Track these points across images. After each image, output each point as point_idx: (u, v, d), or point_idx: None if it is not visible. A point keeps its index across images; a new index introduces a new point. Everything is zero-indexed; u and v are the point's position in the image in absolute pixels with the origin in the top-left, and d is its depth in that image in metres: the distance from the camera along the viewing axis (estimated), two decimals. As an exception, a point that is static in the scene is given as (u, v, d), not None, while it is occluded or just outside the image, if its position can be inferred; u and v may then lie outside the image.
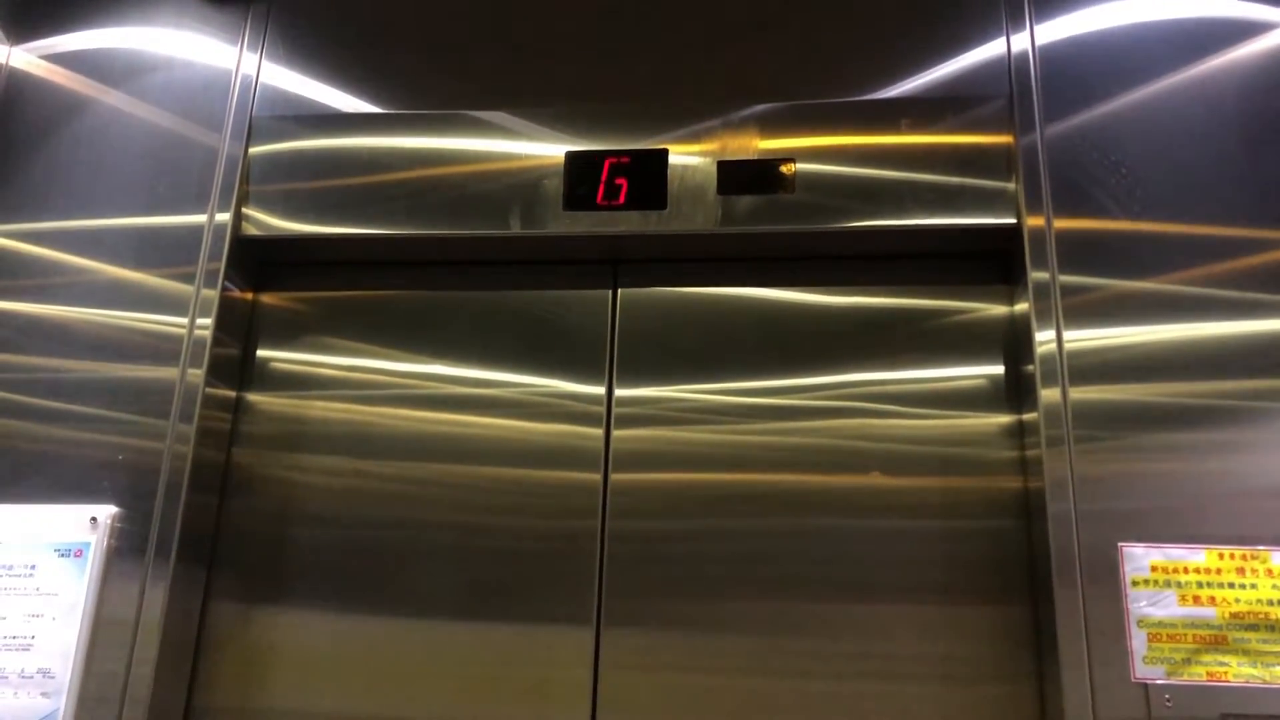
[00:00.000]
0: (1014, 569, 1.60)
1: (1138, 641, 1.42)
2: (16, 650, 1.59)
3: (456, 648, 1.67)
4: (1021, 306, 1.67)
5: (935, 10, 1.80)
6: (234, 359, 1.85)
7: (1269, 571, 1.43)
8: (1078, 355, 1.57)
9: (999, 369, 1.71)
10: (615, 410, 1.77)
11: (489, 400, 1.80)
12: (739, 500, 1.69)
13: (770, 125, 1.76)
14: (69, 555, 1.63)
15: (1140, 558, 1.45)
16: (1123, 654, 1.42)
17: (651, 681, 1.62)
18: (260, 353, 1.88)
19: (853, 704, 1.58)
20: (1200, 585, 1.43)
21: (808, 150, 1.74)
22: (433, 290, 1.88)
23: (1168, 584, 1.44)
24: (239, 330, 1.87)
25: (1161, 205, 1.62)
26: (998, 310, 1.74)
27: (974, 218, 1.68)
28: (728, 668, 1.61)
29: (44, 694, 1.57)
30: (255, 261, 1.90)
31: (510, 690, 1.64)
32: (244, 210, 1.84)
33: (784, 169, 1.74)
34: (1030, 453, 1.62)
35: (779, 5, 1.85)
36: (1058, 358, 1.57)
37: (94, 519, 1.64)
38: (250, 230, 1.83)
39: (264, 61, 1.93)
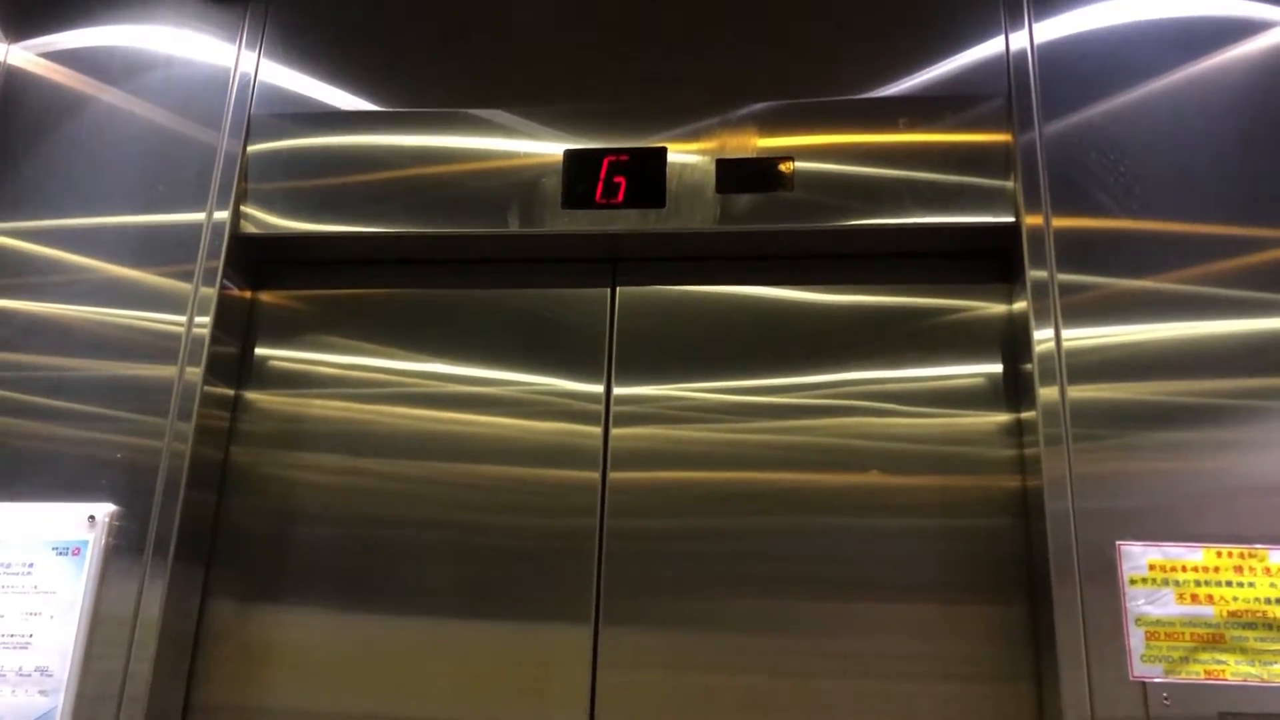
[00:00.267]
0: (1012, 567, 1.60)
1: (1136, 640, 1.42)
2: (14, 648, 1.59)
3: (454, 646, 1.67)
4: (1020, 305, 1.67)
5: (934, 9, 1.80)
6: (232, 357, 1.85)
7: (1267, 570, 1.43)
8: (1076, 354, 1.57)
9: (997, 367, 1.71)
10: (614, 409, 1.77)
11: (487, 398, 1.80)
12: (738, 499, 1.69)
13: (769, 124, 1.76)
14: (67, 553, 1.63)
15: (1138, 556, 1.45)
16: (1121, 652, 1.42)
17: (650, 680, 1.62)
18: (259, 351, 1.88)
19: (851, 702, 1.58)
20: (1198, 584, 1.43)
21: (806, 149, 1.74)
22: (431, 289, 1.88)
23: (1166, 582, 1.44)
24: (237, 328, 1.87)
25: (1160, 204, 1.62)
26: (996, 309, 1.74)
27: (972, 216, 1.68)
28: (726, 666, 1.61)
29: (42, 692, 1.56)
30: (254, 260, 1.90)
31: (508, 688, 1.64)
32: (242, 208, 1.84)
33: (782, 167, 1.73)
34: (1028, 451, 1.62)
35: (777, 4, 1.85)
36: (1056, 356, 1.57)
37: (92, 517, 1.64)
38: (249, 228, 1.83)
39: (262, 59, 1.92)
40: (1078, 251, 1.62)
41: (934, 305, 1.76)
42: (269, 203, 1.84)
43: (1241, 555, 1.44)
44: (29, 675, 1.57)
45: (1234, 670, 1.40)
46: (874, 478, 1.68)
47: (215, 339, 1.77)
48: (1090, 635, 1.43)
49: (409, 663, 1.67)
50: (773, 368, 1.76)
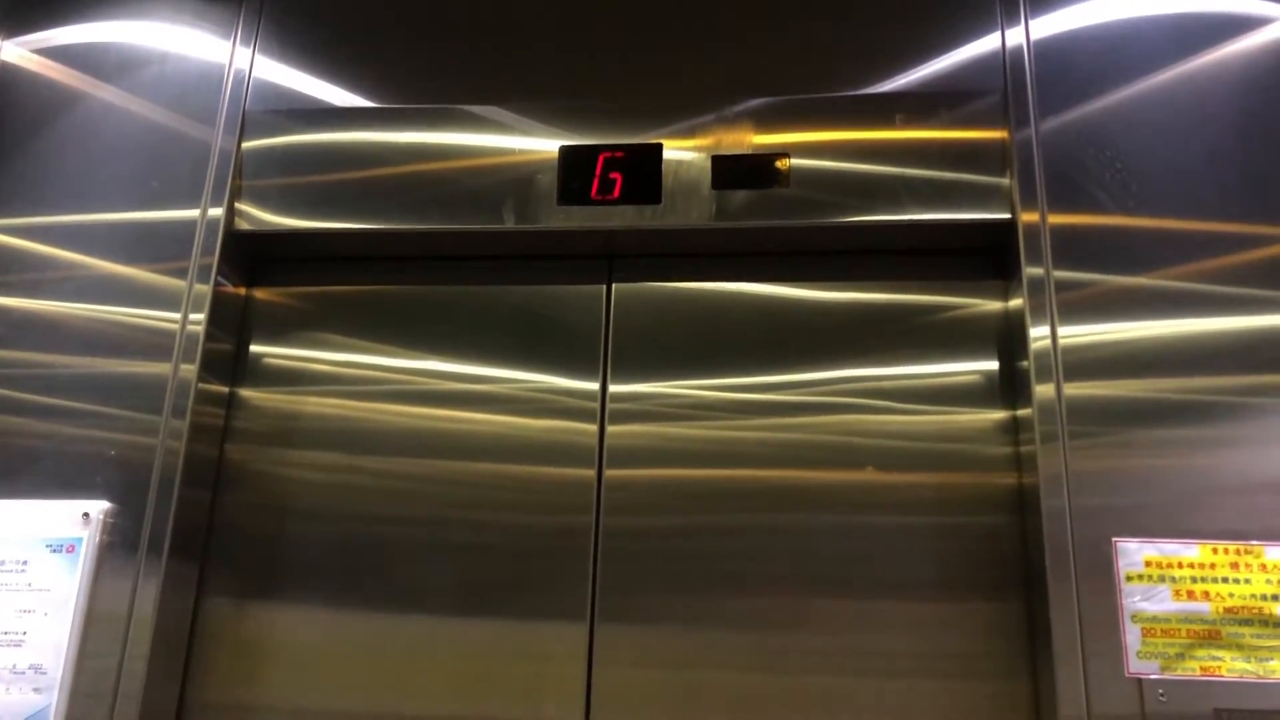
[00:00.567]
0: (1008, 564, 1.60)
1: (1131, 636, 1.42)
2: (8, 646, 1.59)
3: (450, 643, 1.67)
4: (1016, 302, 1.67)
5: (930, 5, 1.80)
6: (227, 354, 1.85)
7: (1263, 566, 1.43)
8: (1072, 351, 1.57)
9: (993, 365, 1.71)
10: (609, 406, 1.76)
11: (483, 396, 1.80)
12: (733, 496, 1.69)
13: (765, 120, 1.76)
14: (61, 550, 1.62)
15: (1134, 553, 1.45)
16: (1116, 649, 1.42)
17: (645, 677, 1.62)
18: (253, 348, 1.88)
19: (846, 700, 1.57)
20: (1194, 580, 1.43)
21: (802, 145, 1.74)
22: (426, 285, 1.88)
23: (1162, 579, 1.44)
24: (232, 325, 1.86)
25: (1156, 200, 1.62)
26: (992, 306, 1.74)
27: (968, 213, 1.68)
28: (722, 663, 1.61)
29: (36, 690, 1.56)
30: (248, 256, 1.89)
31: (504, 686, 1.64)
32: (237, 205, 1.84)
33: (778, 164, 1.73)
34: (1024, 449, 1.62)
35: (774, 0, 1.85)
36: (1052, 353, 1.57)
37: (86, 514, 1.64)
38: (243, 225, 1.83)
39: (257, 55, 1.92)
40: (1074, 248, 1.62)
41: (930, 302, 1.76)
42: (264, 199, 1.84)
43: (1238, 551, 1.44)
44: (23, 673, 1.57)
45: (1230, 667, 1.40)
46: (870, 475, 1.68)
47: (210, 336, 1.76)
48: (1086, 632, 1.43)
49: (404, 660, 1.67)
50: (768, 365, 1.76)
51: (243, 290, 1.90)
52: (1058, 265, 1.61)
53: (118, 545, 1.64)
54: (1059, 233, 1.63)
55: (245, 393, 1.85)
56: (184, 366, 1.73)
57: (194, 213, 1.82)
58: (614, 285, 1.84)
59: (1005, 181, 1.68)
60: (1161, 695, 1.39)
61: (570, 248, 1.84)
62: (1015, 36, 1.75)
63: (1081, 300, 1.59)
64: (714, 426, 1.74)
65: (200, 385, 1.73)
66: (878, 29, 1.80)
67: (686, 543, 1.68)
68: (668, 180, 1.75)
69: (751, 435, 1.72)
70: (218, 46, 1.93)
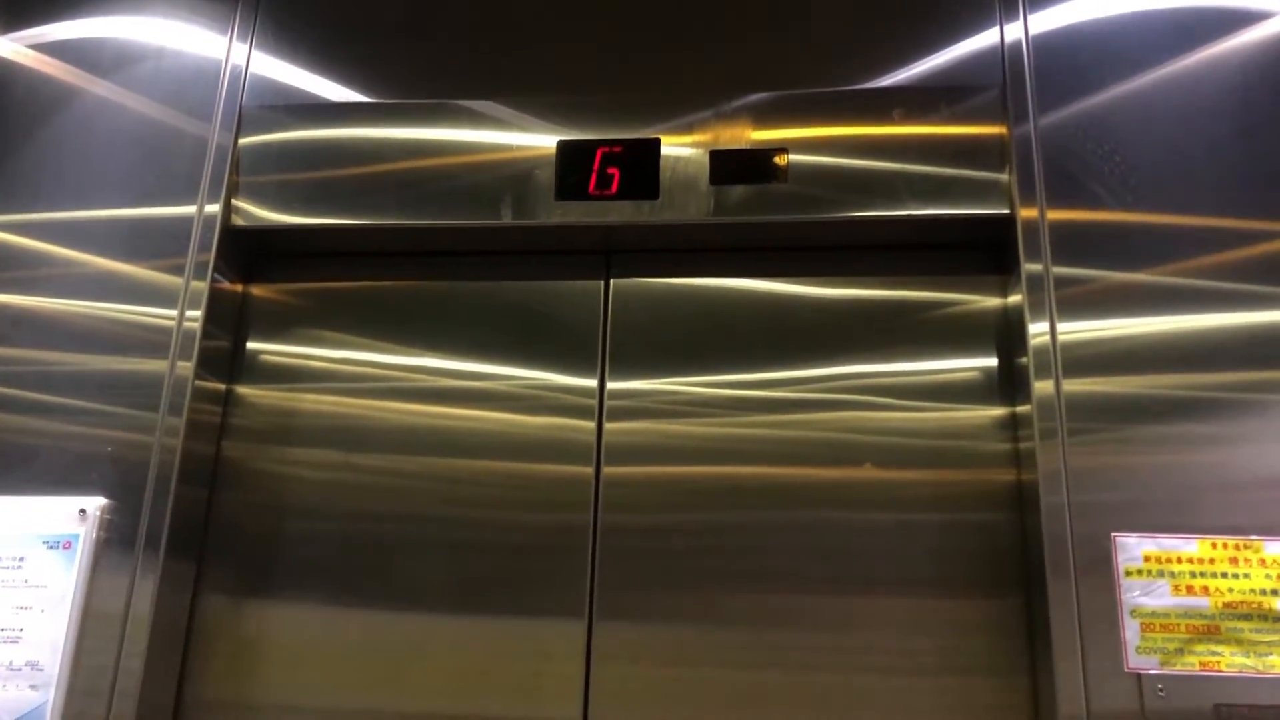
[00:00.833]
0: (1007, 561, 1.59)
1: (1131, 631, 1.42)
2: (5, 643, 1.58)
3: (448, 641, 1.67)
4: (1015, 298, 1.67)
5: (929, 0, 1.79)
6: (224, 351, 1.84)
7: (1262, 561, 1.42)
8: (1071, 347, 1.56)
9: (992, 361, 1.71)
10: (607, 403, 1.76)
11: (480, 393, 1.80)
12: (731, 493, 1.69)
13: (763, 115, 1.76)
14: (58, 547, 1.62)
15: (1133, 548, 1.45)
16: (1116, 644, 1.42)
17: (644, 674, 1.62)
18: (250, 345, 1.87)
19: (845, 697, 1.57)
20: (1193, 575, 1.43)
21: (800, 141, 1.74)
22: (424, 281, 1.88)
23: (1161, 574, 1.43)
24: (229, 322, 1.86)
25: (1156, 196, 1.62)
26: (991, 302, 1.74)
27: (967, 208, 1.68)
28: (720, 661, 1.61)
29: (32, 686, 1.56)
30: (245, 253, 1.89)
31: (502, 683, 1.63)
32: (234, 201, 1.83)
33: (777, 159, 1.73)
34: (1023, 445, 1.61)
35: (772, -5, 1.85)
36: (1051, 350, 1.57)
37: (83, 511, 1.63)
38: (240, 221, 1.82)
39: (254, 51, 1.91)
40: (1073, 244, 1.61)
41: (929, 299, 1.76)
42: (261, 195, 1.83)
43: (1237, 546, 1.43)
44: (19, 670, 1.56)
45: (1229, 662, 1.39)
46: (868, 472, 1.68)
47: (207, 333, 1.76)
48: (1085, 627, 1.43)
49: (402, 658, 1.67)
50: (767, 361, 1.75)
51: (240, 287, 1.89)
52: (1057, 261, 1.61)
53: (114, 542, 1.63)
54: (1058, 228, 1.62)
55: (242, 390, 1.85)
56: (181, 363, 1.73)
57: (191, 209, 1.81)
58: (612, 281, 1.83)
59: (1004, 177, 1.68)
60: (1161, 690, 1.39)
61: (568, 243, 1.83)
62: (1014, 31, 1.75)
63: (1081, 296, 1.58)
64: (712, 423, 1.73)
65: (197, 382, 1.73)
66: (876, 24, 1.80)
67: (685, 540, 1.67)
68: (666, 175, 1.75)
69: (750, 432, 1.72)
70: (214, 42, 1.92)
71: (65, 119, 1.90)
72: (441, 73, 1.87)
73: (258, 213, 1.83)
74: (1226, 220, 1.59)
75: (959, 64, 1.75)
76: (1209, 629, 1.41)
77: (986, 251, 1.75)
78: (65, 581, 1.60)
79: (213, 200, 1.81)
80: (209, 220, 1.80)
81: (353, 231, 1.81)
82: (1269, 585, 1.42)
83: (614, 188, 1.75)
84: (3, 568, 1.62)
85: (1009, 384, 1.68)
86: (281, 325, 1.88)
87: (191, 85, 1.89)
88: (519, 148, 1.80)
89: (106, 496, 1.65)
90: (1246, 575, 1.42)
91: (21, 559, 1.62)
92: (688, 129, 1.77)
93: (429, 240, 1.84)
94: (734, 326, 1.78)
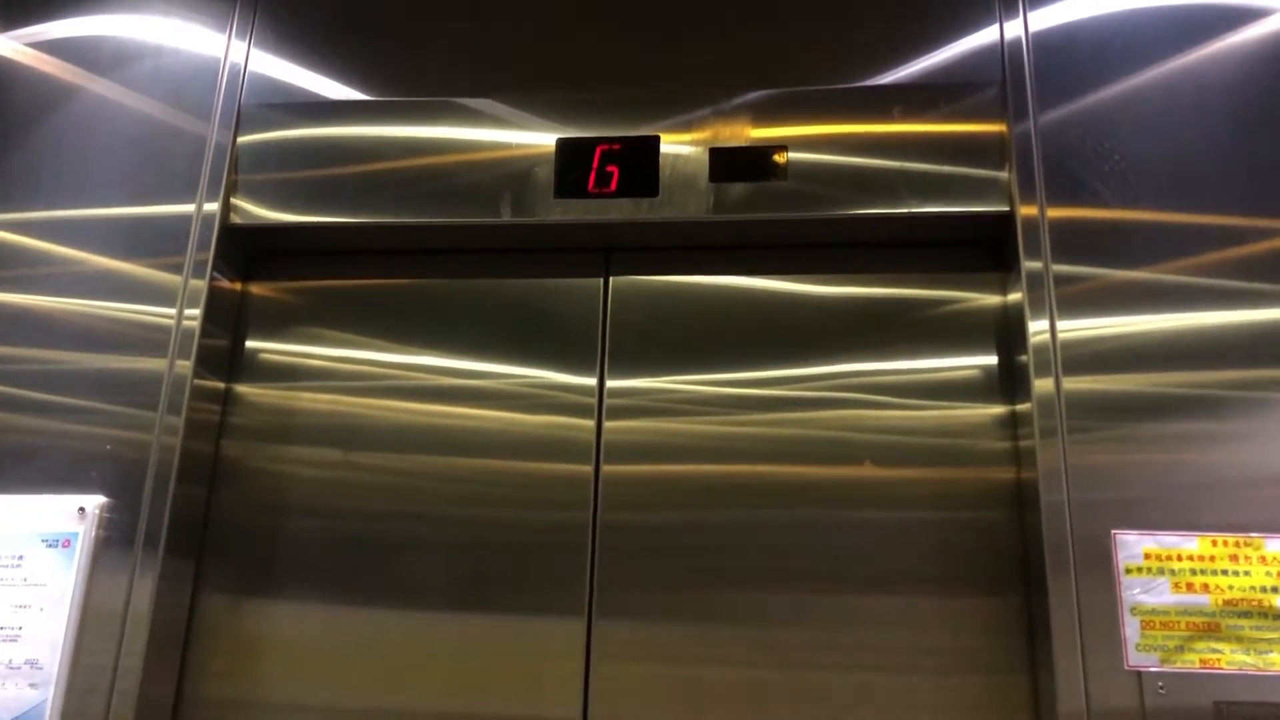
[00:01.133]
0: (1007, 559, 1.59)
1: (1131, 629, 1.42)
2: (4, 641, 1.58)
3: (447, 639, 1.67)
4: (1015, 296, 1.67)
5: (928, -3, 1.80)
6: (222, 350, 1.84)
7: (1262, 558, 1.42)
8: (1071, 345, 1.56)
9: (992, 359, 1.71)
10: (607, 401, 1.76)
11: (479, 391, 1.80)
12: (731, 492, 1.69)
13: (762, 113, 1.75)
14: (57, 545, 1.62)
15: (1133, 545, 1.45)
16: (1116, 642, 1.41)
17: (643, 672, 1.61)
18: (249, 343, 1.87)
19: (845, 695, 1.57)
20: (1193, 572, 1.43)
21: (800, 138, 1.73)
22: (423, 279, 1.88)
23: (1161, 571, 1.43)
24: (227, 321, 1.86)
25: (1156, 194, 1.61)
26: (991, 300, 1.74)
27: (967, 206, 1.68)
28: (719, 659, 1.60)
29: (32, 685, 1.55)
30: (244, 251, 1.89)
31: (501, 682, 1.63)
32: (232, 200, 1.83)
33: (776, 157, 1.73)
34: (1023, 443, 1.61)
35: (771, -7, 1.85)
36: (1051, 348, 1.57)
37: (82, 509, 1.63)
38: (239, 220, 1.82)
39: (252, 49, 1.91)
40: (1073, 242, 1.61)
41: (928, 296, 1.76)
42: (259, 194, 1.83)
43: (1237, 544, 1.43)
44: (18, 668, 1.56)
45: (1229, 659, 1.39)
46: (868, 470, 1.68)
47: (205, 331, 1.76)
48: (1085, 625, 1.43)
49: (401, 656, 1.66)
50: (766, 359, 1.75)
51: (238, 285, 1.89)
52: (1056, 259, 1.60)
53: (114, 540, 1.63)
54: (1058, 226, 1.62)
55: (241, 388, 1.85)
56: (180, 362, 1.72)
57: (189, 207, 1.81)
58: (611, 279, 1.83)
59: (1004, 174, 1.68)
60: (1161, 688, 1.39)
61: (567, 241, 1.83)
62: (1014, 29, 1.75)
63: (1080, 294, 1.58)
64: (712, 421, 1.73)
65: (196, 381, 1.73)
66: (876, 21, 1.80)
67: (684, 538, 1.67)
68: (665, 173, 1.75)
69: (750, 430, 1.72)
70: (213, 40, 1.92)
71: (64, 117, 1.90)
72: (440, 70, 1.87)
73: (257, 211, 1.82)
74: (1227, 218, 1.59)
75: (959, 61, 1.75)
76: (1209, 626, 1.41)
77: (986, 249, 1.75)
78: (64, 580, 1.60)
79: (211, 198, 1.81)
80: (208, 218, 1.80)
81: (352, 230, 1.81)
82: (1269, 583, 1.41)
83: (613, 185, 1.74)
84: (2, 566, 1.62)
85: (1009, 382, 1.68)
86: (280, 324, 1.88)
87: (190, 83, 1.89)
88: (518, 145, 1.80)
89: (106, 495, 1.65)
90: (1247, 573, 1.42)
91: (21, 557, 1.62)
92: (687, 126, 1.77)
93: (428, 238, 1.84)
94: (733, 324, 1.78)
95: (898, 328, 1.74)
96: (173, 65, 1.91)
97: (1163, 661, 1.40)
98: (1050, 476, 1.51)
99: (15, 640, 1.58)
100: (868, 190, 1.70)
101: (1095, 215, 1.62)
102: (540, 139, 1.79)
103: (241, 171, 1.84)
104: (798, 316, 1.77)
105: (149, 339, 1.74)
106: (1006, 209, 1.66)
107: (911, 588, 1.60)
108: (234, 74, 1.89)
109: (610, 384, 1.77)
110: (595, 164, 1.75)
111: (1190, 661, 1.40)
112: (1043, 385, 1.55)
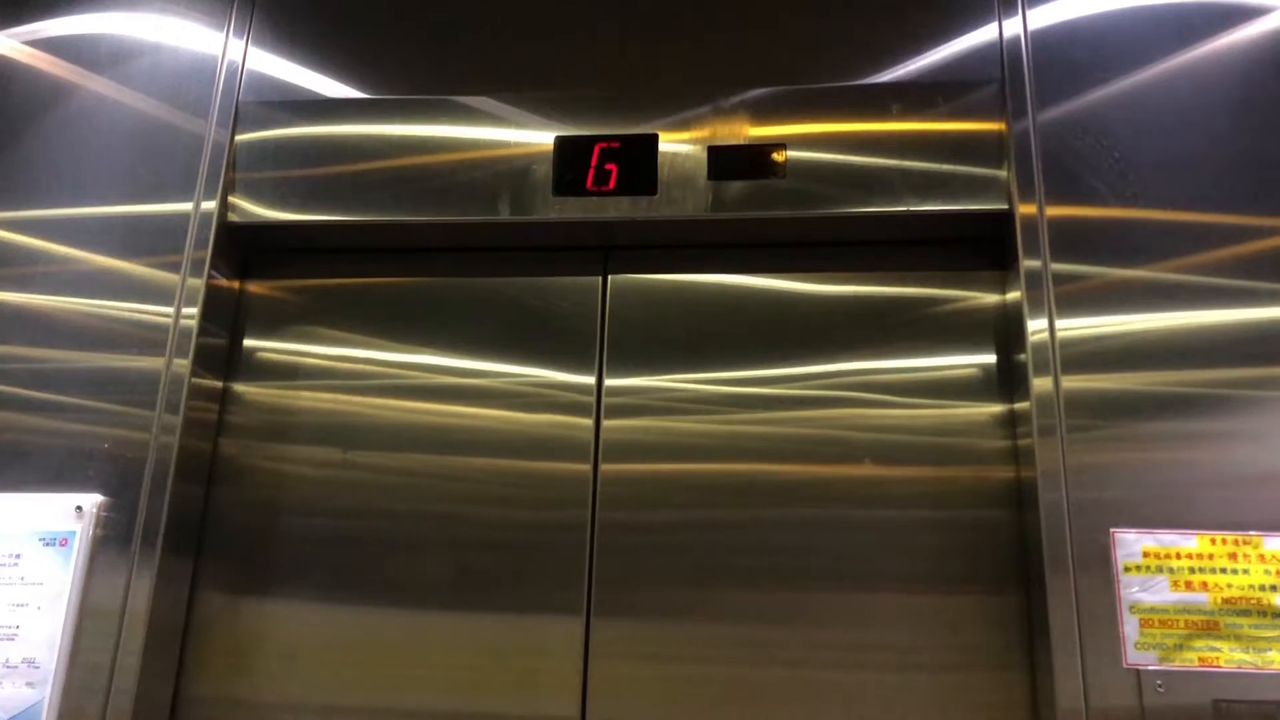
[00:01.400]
0: (1006, 557, 1.59)
1: (1130, 627, 1.42)
2: (1, 640, 1.58)
3: (445, 638, 1.66)
4: (1014, 294, 1.67)
5: (927, -5, 1.80)
6: (220, 349, 1.84)
7: (1261, 557, 1.42)
8: (1070, 344, 1.56)
9: (991, 358, 1.71)
10: (605, 400, 1.76)
11: (478, 390, 1.79)
12: (730, 490, 1.68)
13: (761, 111, 1.75)
14: (54, 544, 1.62)
15: (1132, 543, 1.45)
16: (1115, 640, 1.41)
17: (642, 671, 1.61)
18: (247, 342, 1.87)
19: (844, 693, 1.57)
20: (1192, 570, 1.43)
21: (799, 136, 1.73)
22: (421, 278, 1.87)
23: (1160, 569, 1.43)
24: (225, 319, 1.85)
25: (1155, 192, 1.61)
26: (990, 298, 1.74)
27: (966, 204, 1.68)
28: (718, 657, 1.60)
29: (29, 684, 1.55)
30: (241, 250, 1.89)
31: (500, 680, 1.63)
32: (230, 198, 1.83)
33: (775, 155, 1.73)
34: (1022, 442, 1.61)
35: (770, -9, 1.85)
36: (1050, 346, 1.56)
37: (79, 508, 1.63)
38: (236, 218, 1.82)
39: (250, 47, 1.91)
40: (1072, 240, 1.61)
41: (927, 295, 1.75)
42: (257, 192, 1.83)
43: (1236, 542, 1.43)
44: (16, 667, 1.56)
45: (1228, 658, 1.39)
46: (867, 469, 1.68)
47: (203, 330, 1.75)
48: (1084, 624, 1.43)
49: (399, 655, 1.66)
50: (765, 358, 1.75)
51: (236, 284, 1.89)
52: (1055, 257, 1.60)
53: (111, 539, 1.63)
54: (1057, 224, 1.62)
55: (239, 387, 1.84)
56: (177, 361, 1.72)
57: (187, 206, 1.81)
58: (610, 277, 1.83)
59: (1003, 173, 1.68)
60: (1159, 686, 1.39)
61: (566, 239, 1.83)
62: (1013, 27, 1.75)
63: (1079, 292, 1.58)
64: (711, 420, 1.73)
65: (194, 379, 1.73)
66: (875, 19, 1.80)
67: (683, 537, 1.67)
68: (664, 171, 1.74)
69: (749, 429, 1.72)
70: (211, 38, 1.92)
71: (61, 115, 1.90)
72: (439, 68, 1.87)
73: (254, 209, 1.82)
74: (1226, 216, 1.59)
75: (958, 59, 1.75)
76: (1208, 625, 1.41)
77: (985, 247, 1.75)
78: (62, 578, 1.60)
79: (209, 197, 1.81)
80: (205, 217, 1.80)
81: (350, 228, 1.81)
82: (1268, 581, 1.41)
83: (612, 183, 1.74)
84: (-1, 565, 1.62)
85: (1008, 380, 1.68)
86: (278, 322, 1.88)
87: (188, 81, 1.89)
88: (516, 144, 1.79)
89: (103, 493, 1.65)
90: (1246, 571, 1.42)
91: (18, 556, 1.62)
92: (686, 125, 1.77)
93: (426, 237, 1.84)
94: (732, 323, 1.78)
95: (897, 326, 1.74)
96: (170, 63, 1.91)
97: (1161, 660, 1.40)
98: (1049, 475, 1.51)
99: (13, 639, 1.58)
100: (866, 189, 1.70)
101: (1094, 214, 1.62)
102: (539, 137, 1.79)
103: (239, 170, 1.84)
104: (796, 315, 1.77)
105: (146, 337, 1.74)
106: (1005, 207, 1.66)
107: (910, 586, 1.60)
108: (232, 72, 1.89)
109: (609, 383, 1.77)
110: (594, 162, 1.75)
111: (1189, 660, 1.40)
112: (1041, 384, 1.55)
